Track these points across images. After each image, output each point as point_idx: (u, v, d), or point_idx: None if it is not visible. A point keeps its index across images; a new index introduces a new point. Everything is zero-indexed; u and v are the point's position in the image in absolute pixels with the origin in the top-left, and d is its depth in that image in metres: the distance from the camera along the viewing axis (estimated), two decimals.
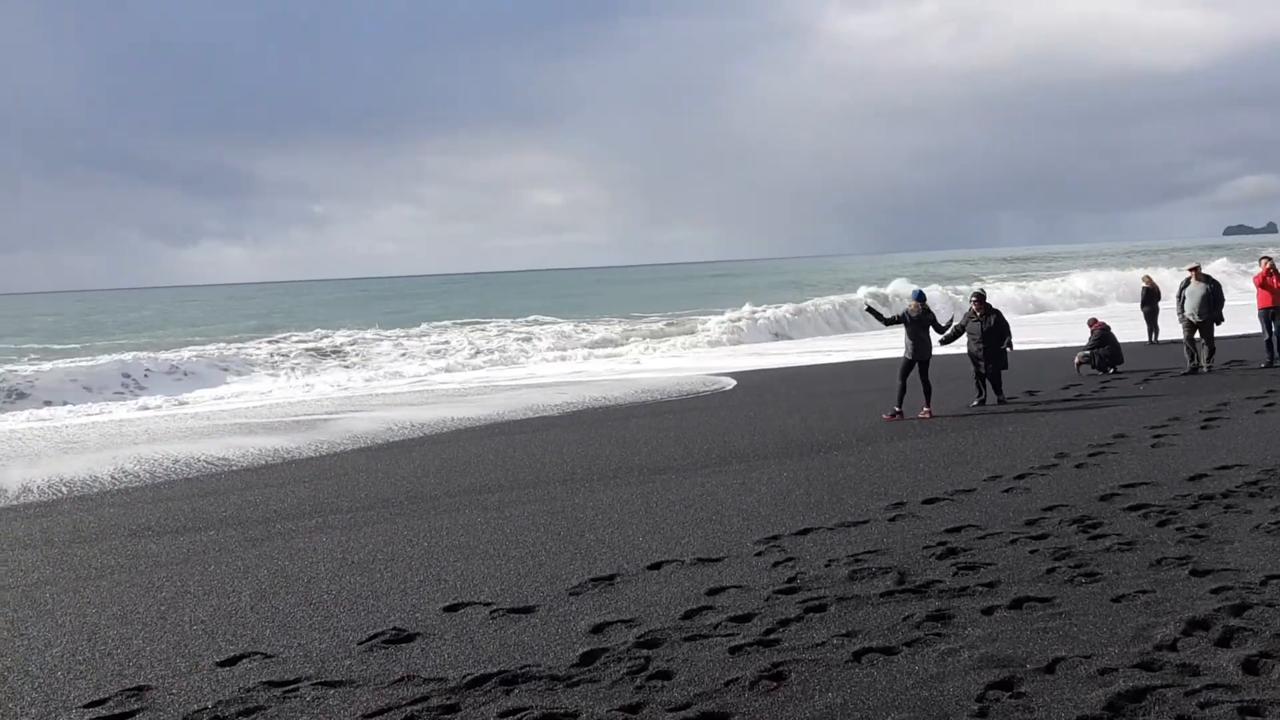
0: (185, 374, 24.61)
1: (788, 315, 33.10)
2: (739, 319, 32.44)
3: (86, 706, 4.80)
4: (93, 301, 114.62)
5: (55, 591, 6.92)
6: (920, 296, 13.01)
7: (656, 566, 6.76)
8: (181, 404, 19.90)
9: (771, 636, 5.28)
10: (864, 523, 7.58)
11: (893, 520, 7.61)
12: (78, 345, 38.30)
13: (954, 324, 13.52)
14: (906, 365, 12.60)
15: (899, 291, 37.21)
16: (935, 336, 12.95)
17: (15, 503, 10.44)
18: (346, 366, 26.56)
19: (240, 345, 30.19)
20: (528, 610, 5.98)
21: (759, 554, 6.93)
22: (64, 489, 11.00)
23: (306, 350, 28.91)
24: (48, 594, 6.86)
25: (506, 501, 9.13)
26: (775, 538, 7.31)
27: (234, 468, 11.77)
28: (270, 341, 31.31)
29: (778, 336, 31.33)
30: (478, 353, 28.30)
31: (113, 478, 11.48)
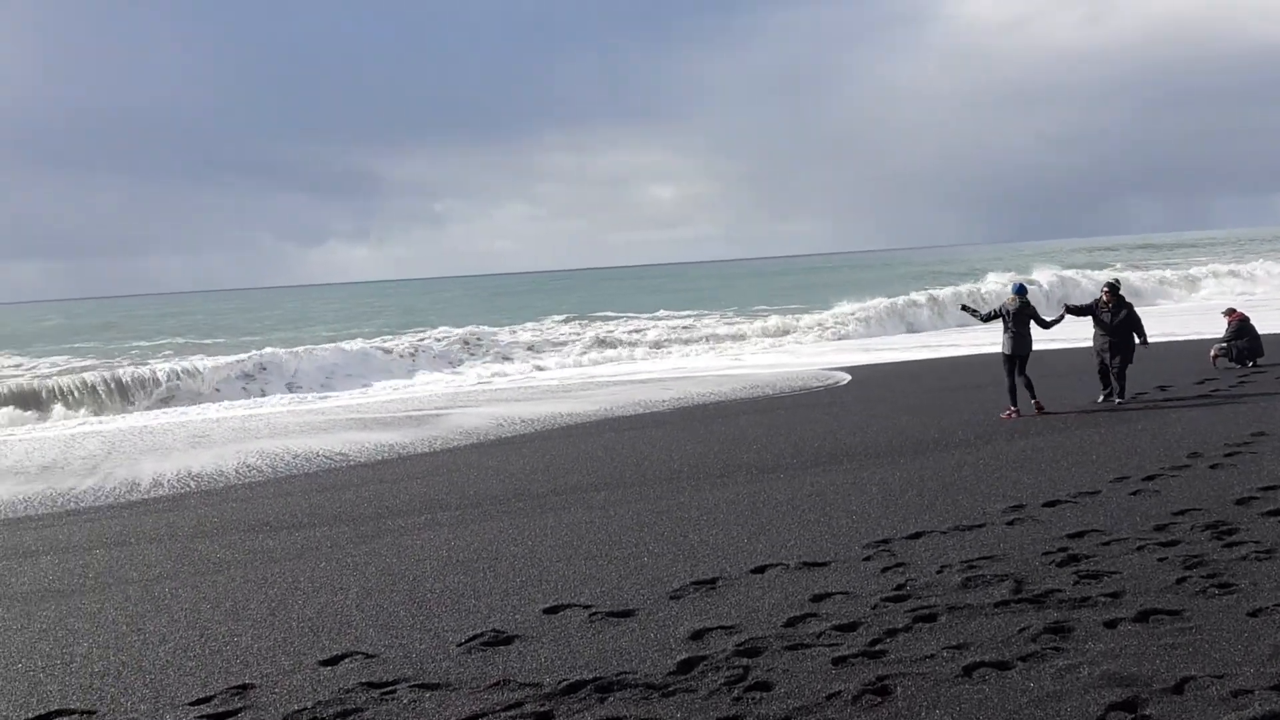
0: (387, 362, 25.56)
1: (905, 308, 32.32)
2: (853, 312, 31.82)
3: (192, 704, 4.90)
4: (233, 300, 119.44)
5: (174, 586, 7.13)
6: (1021, 290, 12.45)
7: (760, 570, 6.60)
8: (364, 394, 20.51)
9: (877, 647, 5.07)
10: (979, 526, 7.26)
11: (1010, 524, 7.27)
12: (258, 338, 39.59)
13: (1048, 318, 12.69)
14: (1007, 361, 12.12)
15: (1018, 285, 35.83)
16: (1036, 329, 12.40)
17: (146, 496, 10.86)
18: (507, 359, 26.93)
19: (392, 338, 30.81)
20: (627, 614, 5.89)
21: (867, 559, 6.70)
22: (192, 483, 11.39)
23: (456, 342, 29.14)
24: (167, 589, 7.07)
25: (612, 500, 9.08)
26: (885, 541, 7.06)
27: (351, 463, 12.03)
28: (424, 336, 32.01)
29: (902, 329, 30.64)
30: (588, 349, 28.42)
31: (237, 472, 11.86)
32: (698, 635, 5.44)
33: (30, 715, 4.83)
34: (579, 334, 31.39)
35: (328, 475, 11.34)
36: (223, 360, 24.02)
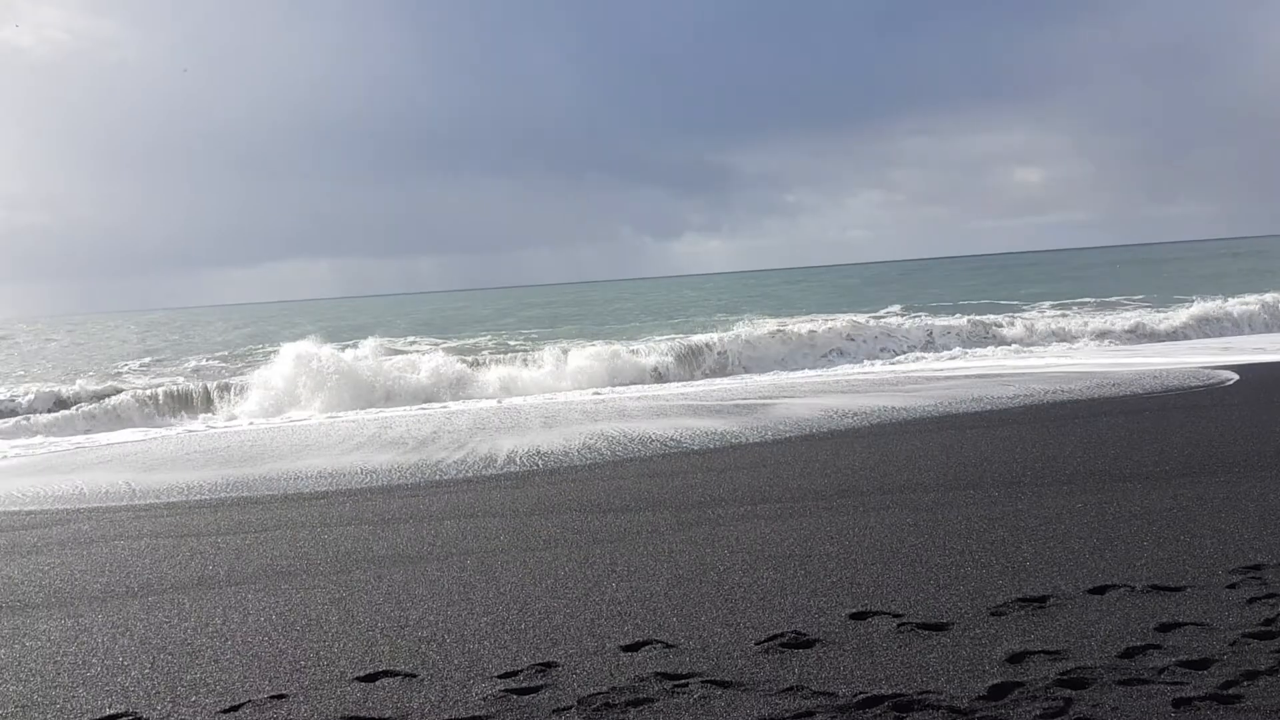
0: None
1: None
2: (1249, 304, 28.23)
3: (500, 676, 5.13)
4: (613, 290, 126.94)
5: (506, 559, 7.57)
6: None
7: (1099, 591, 5.92)
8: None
9: (1231, 691, 4.36)
10: None
11: None
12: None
13: None
14: None
15: None
16: None
17: (500, 472, 11.66)
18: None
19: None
20: (940, 627, 5.49)
21: (1231, 586, 5.82)
22: (539, 461, 12.11)
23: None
24: (499, 561, 7.52)
25: (940, 503, 8.57)
26: (1256, 568, 6.11)
27: (682, 449, 12.27)
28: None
29: None
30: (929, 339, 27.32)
31: (579, 452, 12.47)
32: (1017, 658, 4.96)
33: (361, 673, 5.28)
34: (917, 326, 30.21)
35: (660, 460, 11.63)
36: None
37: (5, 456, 16.06)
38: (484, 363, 25.42)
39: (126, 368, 33.87)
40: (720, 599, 6.26)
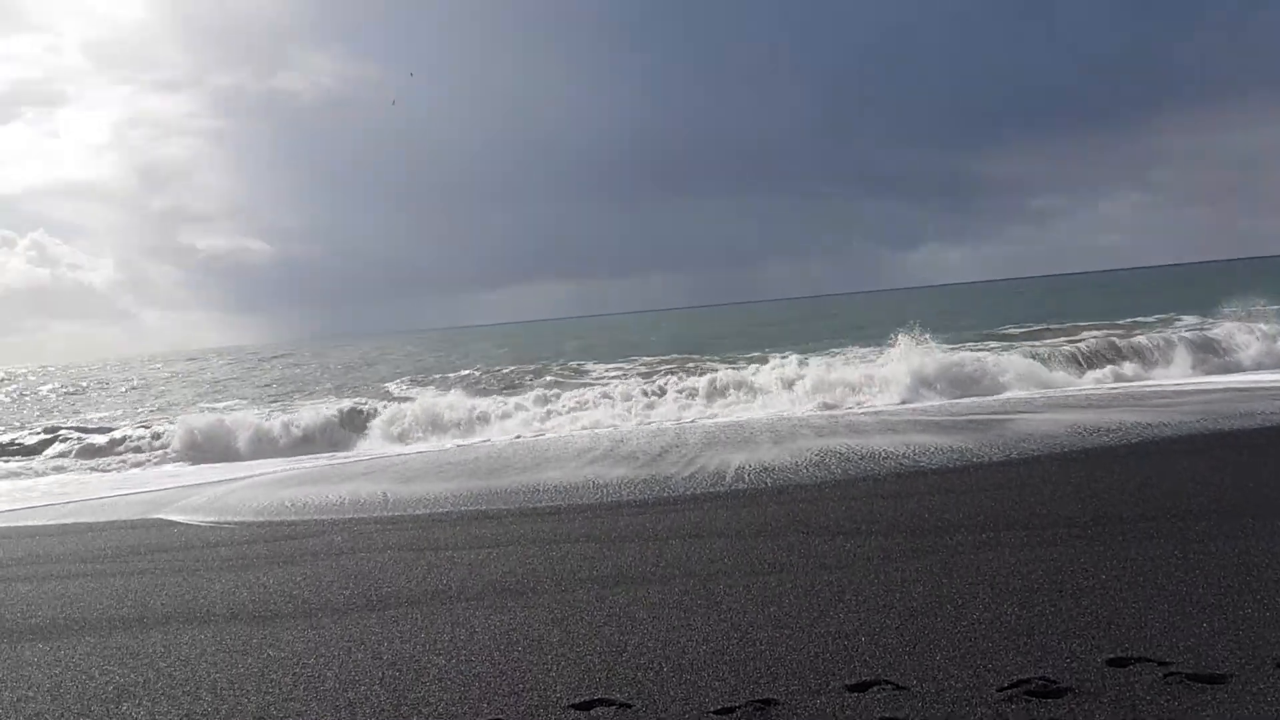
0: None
1: None
2: None
3: (716, 713, 4.90)
4: (854, 303, 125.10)
5: (728, 584, 7.35)
6: None
7: None
8: None
9: None
10: None
11: None
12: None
13: None
14: None
15: None
16: None
17: (728, 489, 11.48)
18: None
19: None
20: (1215, 679, 4.82)
21: None
22: (767, 479, 11.83)
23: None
24: (721, 586, 7.31)
25: (1212, 533, 7.66)
26: None
27: (917, 468, 11.66)
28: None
29: None
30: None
31: (808, 469, 12.10)
32: None
33: (577, 700, 5.19)
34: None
35: (892, 480, 11.09)
36: None
37: (293, 468, 17.41)
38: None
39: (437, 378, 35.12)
40: (958, 637, 5.78)
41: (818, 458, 12.93)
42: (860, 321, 62.24)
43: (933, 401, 19.95)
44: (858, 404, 20.42)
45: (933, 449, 12.85)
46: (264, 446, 21.32)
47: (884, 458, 12.50)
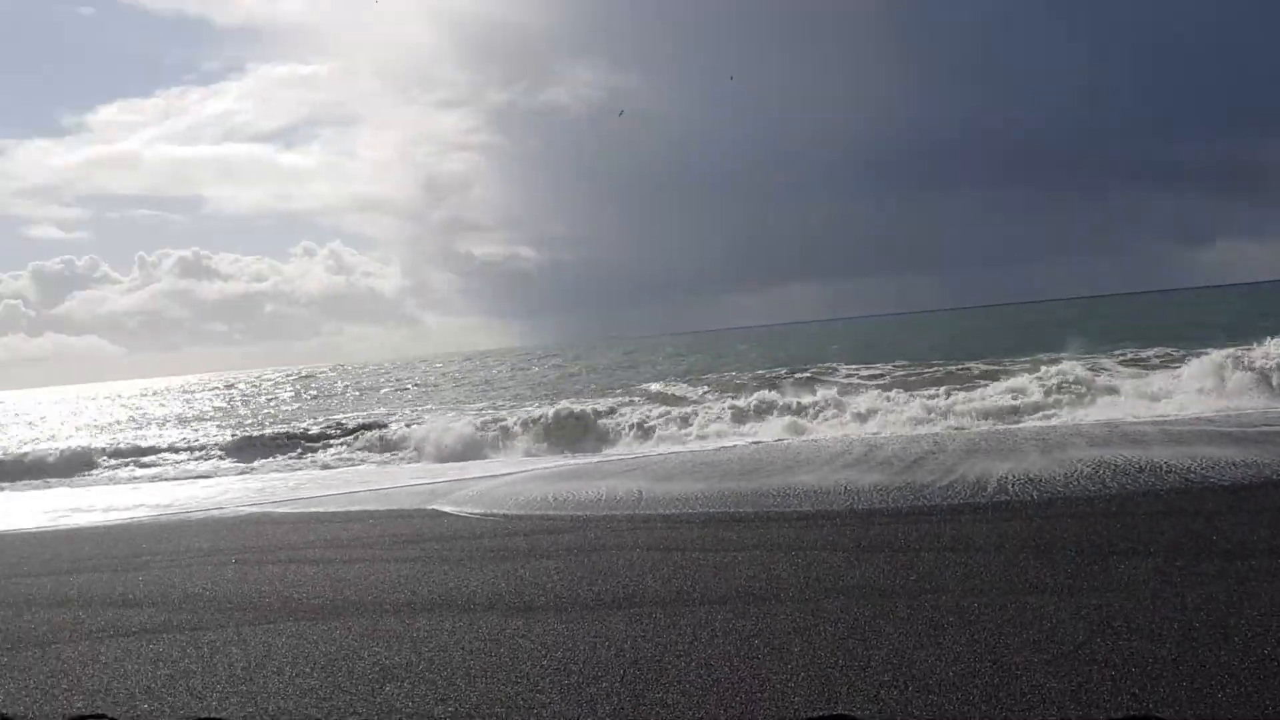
0: None
1: None
2: None
3: None
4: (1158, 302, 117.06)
5: (984, 602, 6.94)
6: None
7: None
8: None
9: None
10: None
11: None
12: None
13: None
14: None
15: None
16: None
17: (989, 500, 10.91)
18: None
19: None
20: None
21: None
22: (1033, 491, 11.13)
23: None
24: (977, 604, 6.91)
25: None
26: None
27: (1206, 483, 10.62)
28: None
29: None
30: None
31: (1079, 482, 11.31)
32: None
33: (814, 713, 5.07)
34: None
35: (1174, 496, 10.16)
36: None
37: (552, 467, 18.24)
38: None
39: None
40: (1243, 674, 5.21)
41: (1091, 470, 12.07)
42: (1146, 324, 57.69)
43: (1219, 404, 18.18)
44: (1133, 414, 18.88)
45: (1224, 463, 11.69)
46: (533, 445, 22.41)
47: (1166, 471, 11.50)
